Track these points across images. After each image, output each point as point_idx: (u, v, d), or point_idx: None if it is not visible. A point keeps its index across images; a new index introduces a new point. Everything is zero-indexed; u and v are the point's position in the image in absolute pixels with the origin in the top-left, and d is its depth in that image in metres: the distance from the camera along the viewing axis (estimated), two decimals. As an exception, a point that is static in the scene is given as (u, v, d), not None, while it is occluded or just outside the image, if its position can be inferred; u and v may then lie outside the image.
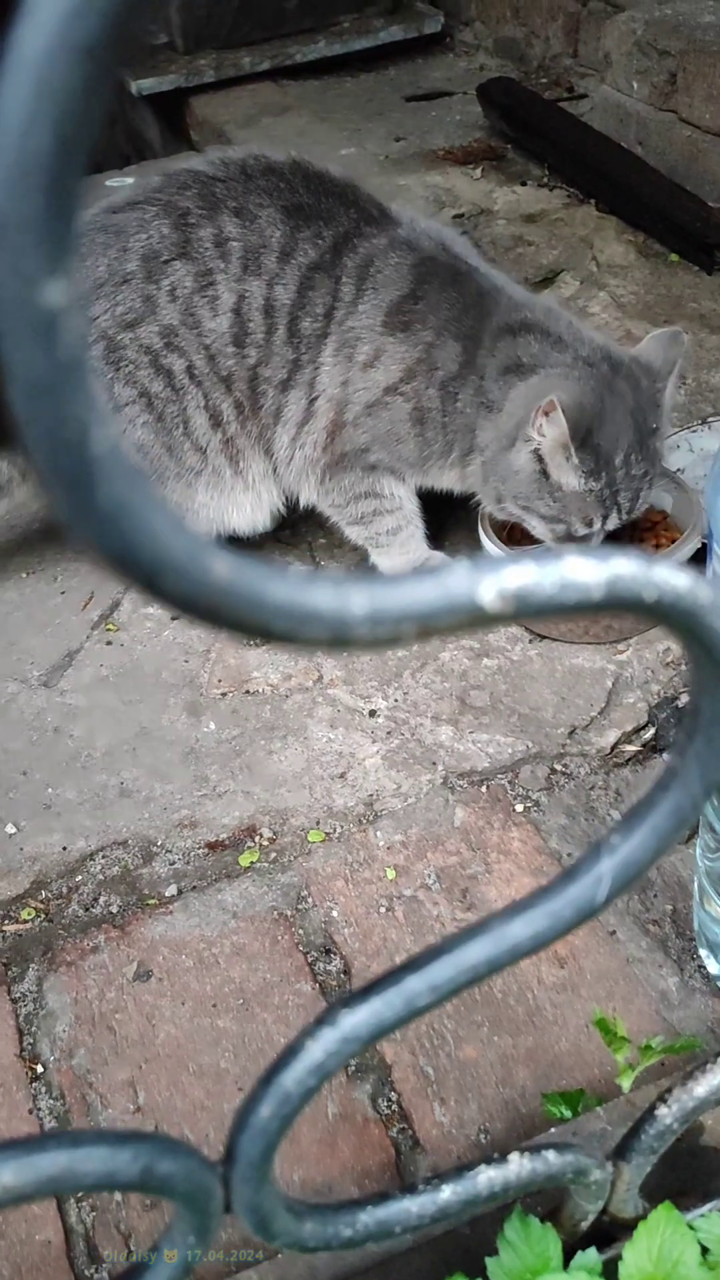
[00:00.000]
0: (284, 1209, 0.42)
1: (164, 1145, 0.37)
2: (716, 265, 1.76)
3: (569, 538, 1.15)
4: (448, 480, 1.23)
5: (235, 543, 1.31)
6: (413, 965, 0.38)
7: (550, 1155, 0.50)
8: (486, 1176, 0.48)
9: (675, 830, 0.37)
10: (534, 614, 0.28)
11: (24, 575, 1.38)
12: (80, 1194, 0.82)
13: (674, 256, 1.82)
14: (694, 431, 1.37)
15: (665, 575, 0.29)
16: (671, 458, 1.35)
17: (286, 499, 1.27)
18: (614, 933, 0.96)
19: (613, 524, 1.15)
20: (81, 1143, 0.34)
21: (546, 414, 1.07)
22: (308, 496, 1.25)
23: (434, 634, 0.27)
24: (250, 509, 1.25)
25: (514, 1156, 0.49)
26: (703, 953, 0.92)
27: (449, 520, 1.34)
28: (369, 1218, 0.46)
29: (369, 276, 1.16)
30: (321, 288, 1.16)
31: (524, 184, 2.10)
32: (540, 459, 1.11)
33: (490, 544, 1.20)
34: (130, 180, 2.30)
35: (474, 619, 0.27)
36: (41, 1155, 0.33)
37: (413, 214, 1.23)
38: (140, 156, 3.09)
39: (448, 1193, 0.48)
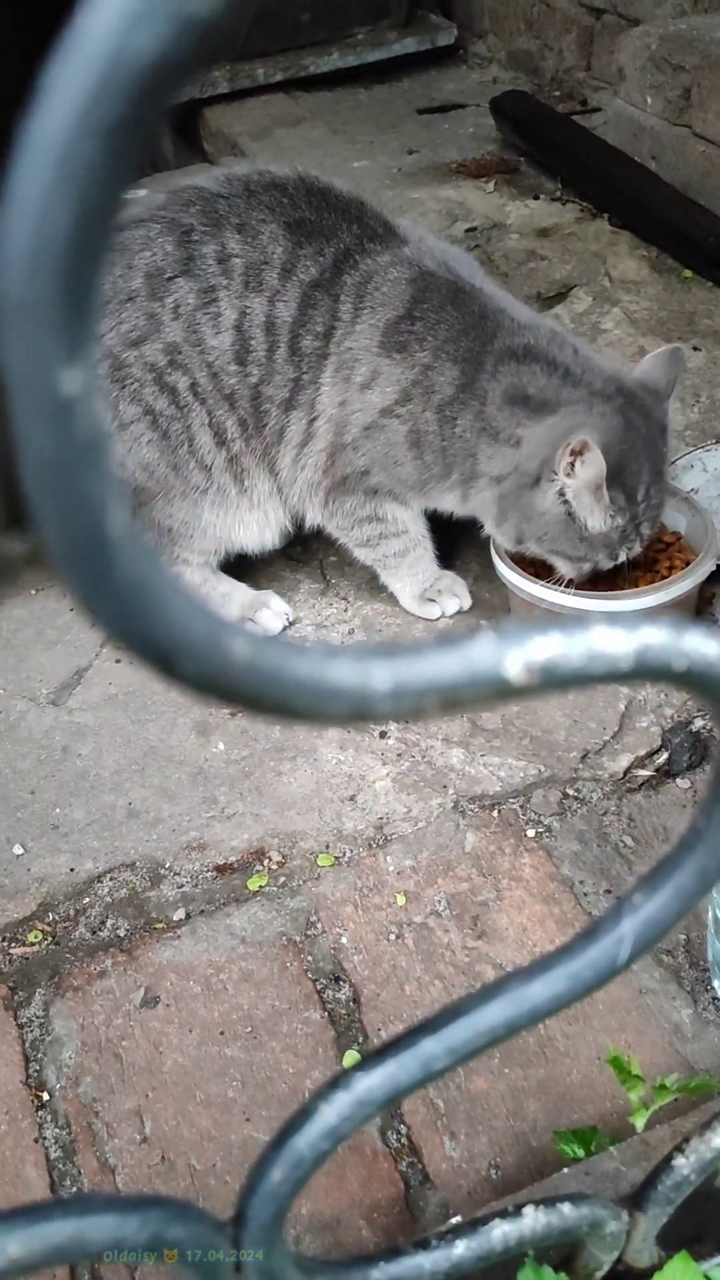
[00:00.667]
0: (294, 1267, 0.41)
1: (173, 1210, 0.36)
2: (731, 282, 1.75)
3: (594, 572, 1.14)
4: (448, 503, 1.22)
5: (243, 560, 1.30)
6: (429, 1027, 0.37)
7: (565, 1208, 0.49)
8: (501, 1231, 0.47)
9: (700, 892, 0.36)
10: (560, 685, 0.27)
11: (34, 591, 1.37)
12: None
13: (687, 272, 1.81)
14: (708, 451, 1.36)
15: (696, 643, 0.28)
16: (685, 478, 1.34)
17: (294, 519, 1.27)
18: (626, 962, 0.95)
19: (636, 553, 1.14)
20: (89, 1210, 0.34)
21: (577, 454, 1.07)
22: (313, 518, 1.25)
23: (458, 708, 0.26)
24: (257, 527, 1.25)
25: (528, 1210, 0.48)
26: (716, 984, 0.91)
27: (460, 539, 1.33)
28: (381, 1274, 0.45)
29: (367, 295, 1.15)
30: (321, 306, 1.15)
31: (537, 198, 2.09)
32: (565, 500, 1.10)
33: (501, 565, 1.19)
34: (143, 192, 2.30)
35: (499, 692, 0.26)
36: (48, 1224, 0.32)
37: (422, 232, 1.22)
38: (154, 167, 3.10)
39: (461, 1248, 0.47)
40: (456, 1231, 0.47)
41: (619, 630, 0.27)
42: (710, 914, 0.90)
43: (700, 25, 1.95)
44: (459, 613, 1.28)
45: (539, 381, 1.13)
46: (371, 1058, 0.37)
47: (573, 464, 1.07)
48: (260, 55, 2.64)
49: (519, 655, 0.26)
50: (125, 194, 0.17)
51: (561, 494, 1.10)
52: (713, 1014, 0.90)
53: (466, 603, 1.28)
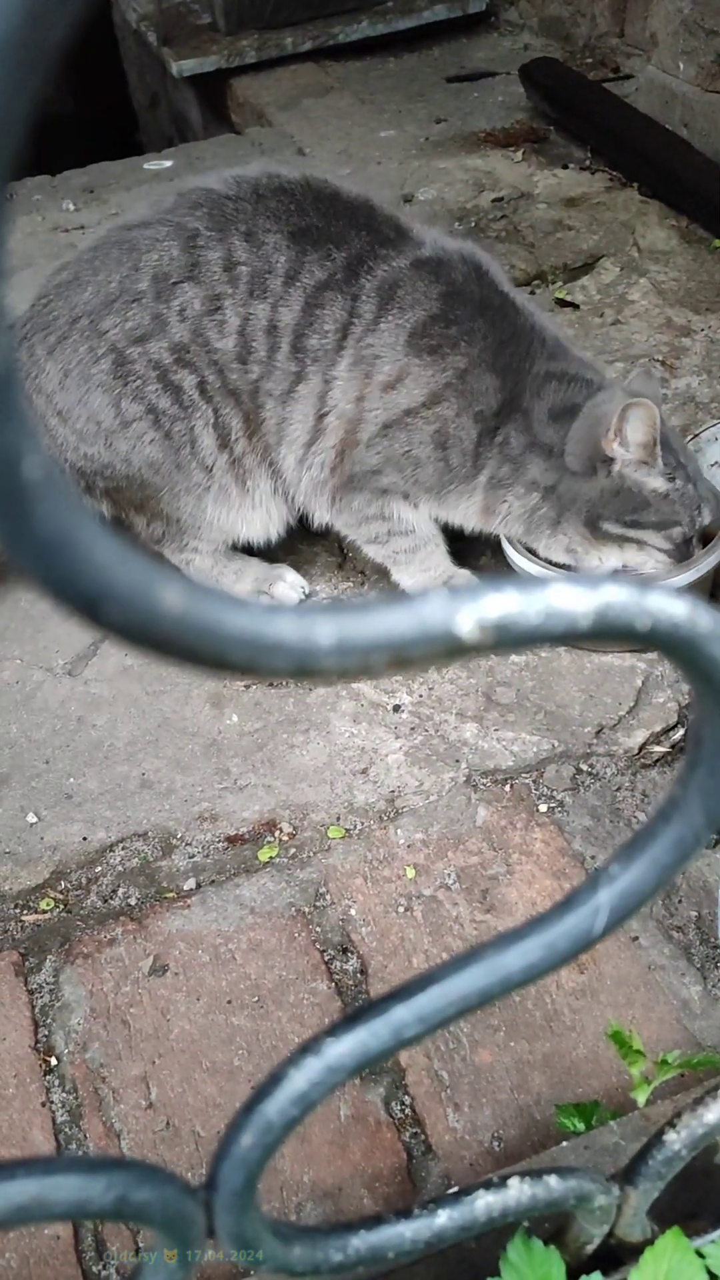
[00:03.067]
0: (269, 1233, 0.41)
1: (141, 1173, 0.36)
2: (761, 251, 1.71)
3: (683, 541, 1.15)
4: (463, 514, 1.20)
5: (249, 549, 1.29)
6: (401, 994, 0.36)
7: (552, 1181, 0.49)
8: (484, 1202, 0.47)
9: (678, 863, 0.35)
10: (516, 644, 0.26)
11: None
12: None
13: (717, 242, 1.78)
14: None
15: (660, 603, 0.28)
16: (709, 450, 1.32)
17: (299, 517, 1.26)
18: (636, 938, 0.94)
19: (708, 518, 1.15)
20: (54, 1171, 0.34)
21: (624, 420, 1.09)
22: (320, 517, 1.24)
23: (408, 665, 0.25)
24: (260, 525, 1.24)
25: (514, 1181, 0.48)
26: (727, 961, 0.90)
27: (476, 536, 1.31)
28: (361, 1242, 0.45)
29: (391, 298, 1.13)
30: (333, 305, 1.14)
31: (565, 167, 2.06)
32: (623, 474, 1.11)
33: (516, 555, 1.17)
34: (169, 164, 2.29)
35: (451, 649, 0.25)
36: (10, 1184, 0.32)
37: (434, 233, 1.20)
38: (183, 137, 3.08)
39: (444, 1218, 0.46)
40: (440, 1202, 0.47)
41: (579, 588, 0.27)
42: (719, 903, 0.89)
43: (735, -12, 1.90)
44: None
45: (581, 394, 1.16)
46: (342, 1024, 0.36)
47: (620, 431, 1.09)
48: (289, 24, 2.61)
49: (472, 612, 0.25)
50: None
51: (618, 468, 1.11)
52: (722, 991, 0.90)
53: None
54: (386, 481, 1.18)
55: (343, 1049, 0.36)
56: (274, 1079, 0.36)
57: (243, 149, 2.30)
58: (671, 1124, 0.53)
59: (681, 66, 1.94)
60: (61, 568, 0.20)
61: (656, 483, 1.11)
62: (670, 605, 0.28)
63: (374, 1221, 0.45)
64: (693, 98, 1.93)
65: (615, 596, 0.27)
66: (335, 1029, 0.36)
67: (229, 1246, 0.39)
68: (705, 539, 1.16)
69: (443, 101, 2.36)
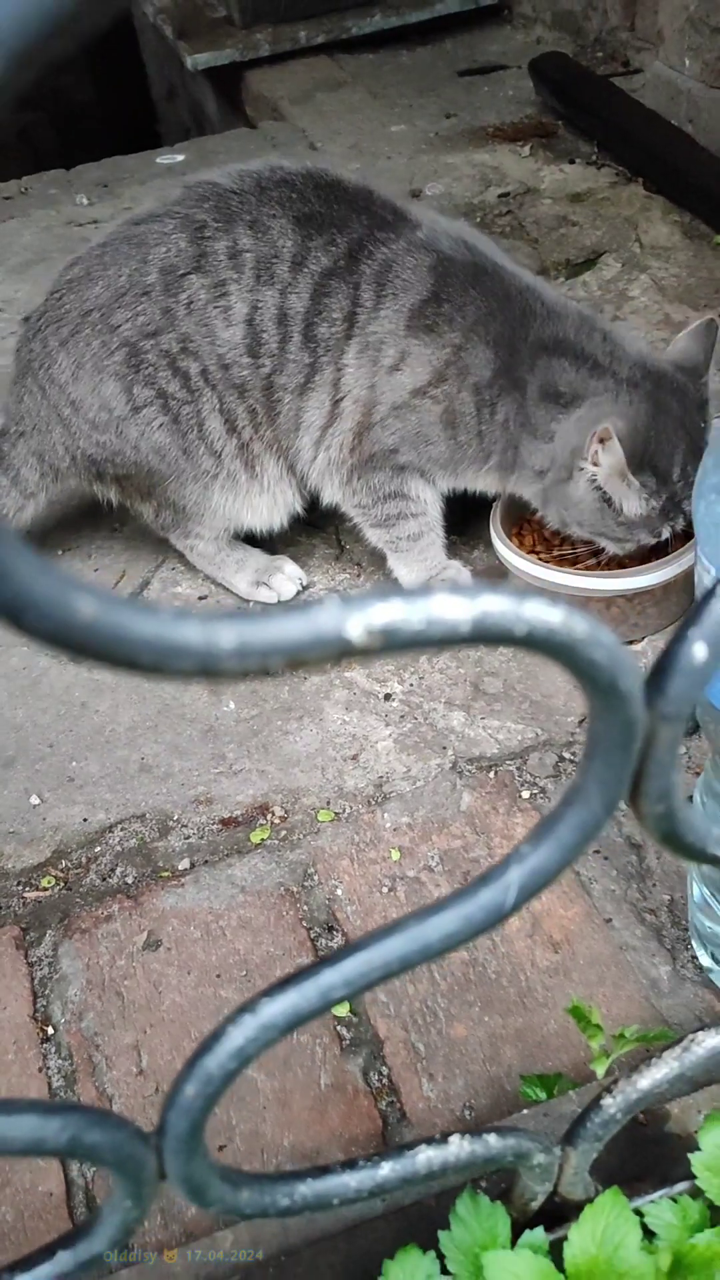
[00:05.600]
0: (218, 1178, 0.45)
1: (94, 1117, 0.40)
2: (762, 248, 1.73)
3: (637, 548, 1.16)
4: (484, 484, 1.23)
5: (251, 539, 1.33)
6: (330, 960, 0.40)
7: (491, 1139, 0.53)
8: (425, 1156, 0.51)
9: (579, 844, 0.39)
10: (401, 648, 0.30)
11: (60, 552, 1.42)
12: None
13: (718, 238, 1.80)
14: (724, 420, 1.36)
15: (536, 611, 0.31)
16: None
17: (308, 497, 1.29)
18: (610, 920, 0.97)
19: (680, 526, 1.15)
20: (13, 1111, 0.38)
21: (602, 442, 1.08)
22: (330, 495, 1.27)
23: (303, 666, 0.29)
24: (266, 511, 1.28)
25: (454, 1138, 0.52)
26: (695, 945, 0.93)
27: (468, 526, 1.34)
28: (307, 1189, 0.49)
29: (388, 281, 1.16)
30: (338, 293, 1.17)
31: (572, 162, 2.08)
32: (599, 488, 1.12)
33: (502, 547, 1.20)
34: (181, 157, 2.32)
35: (342, 652, 0.29)
36: (-29, 1120, 0.36)
37: (432, 216, 1.23)
38: (199, 129, 3.11)
39: (386, 1170, 0.50)
40: (384, 1155, 0.51)
41: (459, 597, 0.30)
42: (690, 888, 0.92)
43: (741, -16, 1.91)
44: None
45: (569, 376, 1.15)
46: (276, 986, 0.40)
47: (598, 453, 1.09)
48: (303, 18, 2.63)
49: (360, 619, 0.29)
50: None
51: (594, 482, 1.12)
52: (690, 972, 0.93)
53: None
54: (404, 459, 1.21)
55: (276, 1009, 0.40)
56: (214, 1036, 0.40)
57: (255, 143, 2.33)
58: (608, 1090, 0.57)
59: (687, 63, 1.96)
60: (-14, 583, 0.24)
61: (630, 505, 1.12)
62: (545, 613, 0.31)
63: (321, 1171, 0.49)
64: (698, 94, 1.95)
65: (493, 605, 0.31)
66: (270, 990, 0.40)
67: (178, 1187, 0.43)
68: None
69: (453, 95, 2.38)
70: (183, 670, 0.27)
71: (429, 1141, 0.52)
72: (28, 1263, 0.46)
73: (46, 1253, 0.46)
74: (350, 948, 0.40)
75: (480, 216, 1.95)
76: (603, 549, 1.17)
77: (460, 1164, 0.52)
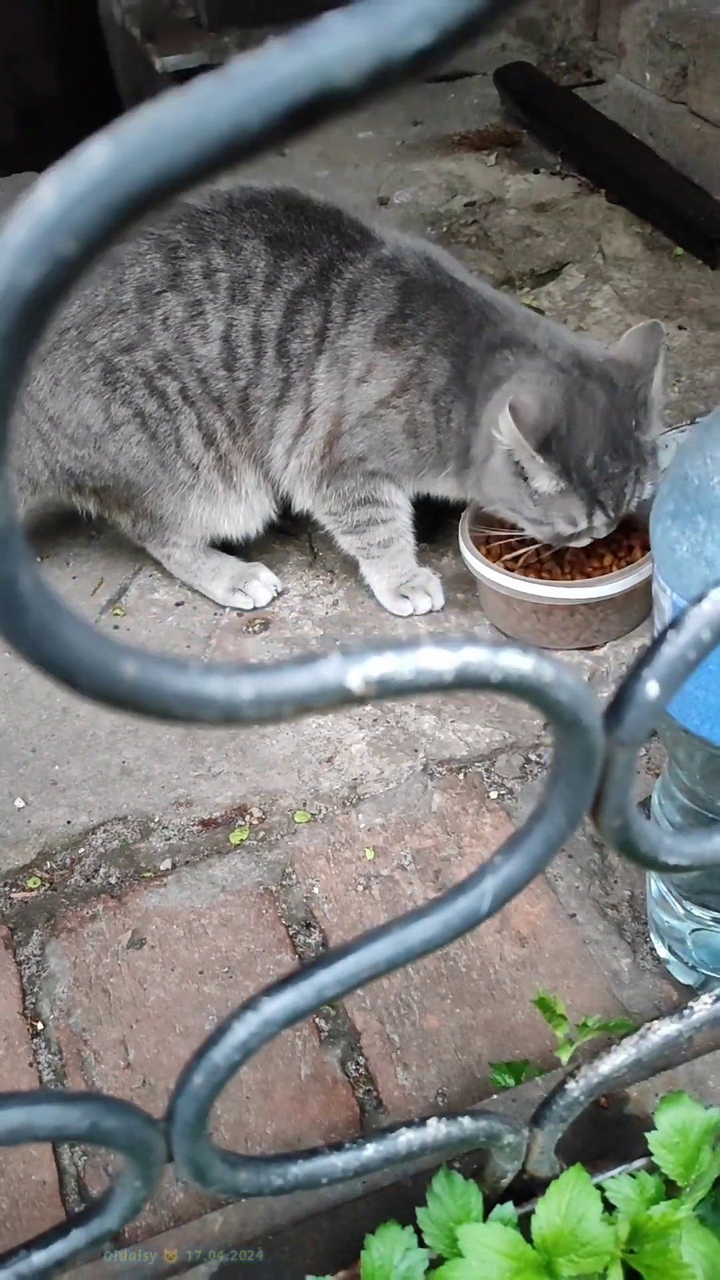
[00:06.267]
0: (219, 1160, 0.49)
1: (110, 1105, 0.44)
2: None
3: (560, 537, 1.19)
4: (443, 489, 1.28)
5: (227, 546, 1.37)
6: (324, 961, 0.44)
7: (465, 1121, 0.57)
8: (406, 1138, 0.56)
9: (546, 855, 0.44)
10: (395, 695, 0.34)
11: (38, 560, 1.45)
12: (71, 1141, 0.90)
13: (679, 250, 1.85)
14: (682, 431, 1.42)
15: (510, 660, 0.36)
16: (660, 457, 1.40)
17: (281, 504, 1.33)
18: (574, 915, 1.03)
19: (600, 522, 1.17)
20: (39, 1102, 0.42)
21: (512, 412, 1.10)
22: (302, 502, 1.31)
23: (310, 713, 0.33)
24: (243, 520, 1.32)
25: (432, 1121, 0.57)
26: (654, 938, 0.99)
27: (437, 533, 1.39)
28: (299, 1170, 0.53)
29: (357, 299, 1.21)
30: (310, 310, 1.21)
31: (537, 171, 2.13)
32: (516, 463, 1.15)
33: (466, 551, 1.25)
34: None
35: (343, 700, 0.33)
36: (4, 1111, 0.41)
37: (396, 234, 1.28)
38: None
39: (370, 1150, 0.55)
40: (368, 1137, 0.56)
41: (444, 650, 0.35)
42: (649, 884, 0.98)
43: (699, 3, 1.97)
44: (430, 612, 1.32)
45: (509, 363, 1.19)
46: (275, 986, 0.44)
47: (506, 424, 1.11)
48: (271, 21, 2.65)
49: (359, 671, 0.33)
50: (21, 376, 0.25)
51: (510, 455, 1.14)
52: (650, 964, 0.98)
53: (439, 602, 1.32)
54: (372, 466, 1.26)
55: (276, 1006, 0.44)
56: (220, 1030, 0.45)
57: (224, 148, 2.36)
58: (572, 1075, 0.61)
59: (648, 77, 2.01)
60: (47, 652, 0.28)
61: (540, 482, 1.14)
62: (518, 661, 0.36)
63: (310, 1153, 0.54)
64: (658, 108, 2.00)
65: (473, 656, 0.35)
66: (270, 989, 0.44)
67: (184, 1169, 0.48)
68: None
69: (420, 102, 2.42)
70: (209, 719, 0.32)
71: (409, 1124, 0.56)
72: (43, 1241, 0.51)
73: (60, 1231, 0.51)
74: (341, 950, 0.45)
75: (447, 226, 2.00)
76: (565, 552, 1.22)
77: (437, 1144, 0.56)
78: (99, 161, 0.23)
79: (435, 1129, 0.56)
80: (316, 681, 0.33)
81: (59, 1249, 0.50)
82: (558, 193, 2.06)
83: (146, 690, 0.30)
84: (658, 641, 0.41)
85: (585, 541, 1.20)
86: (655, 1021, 0.61)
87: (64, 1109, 0.42)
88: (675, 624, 0.41)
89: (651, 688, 0.41)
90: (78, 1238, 0.50)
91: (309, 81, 0.23)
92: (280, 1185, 0.52)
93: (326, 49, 0.23)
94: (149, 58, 2.68)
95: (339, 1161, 0.54)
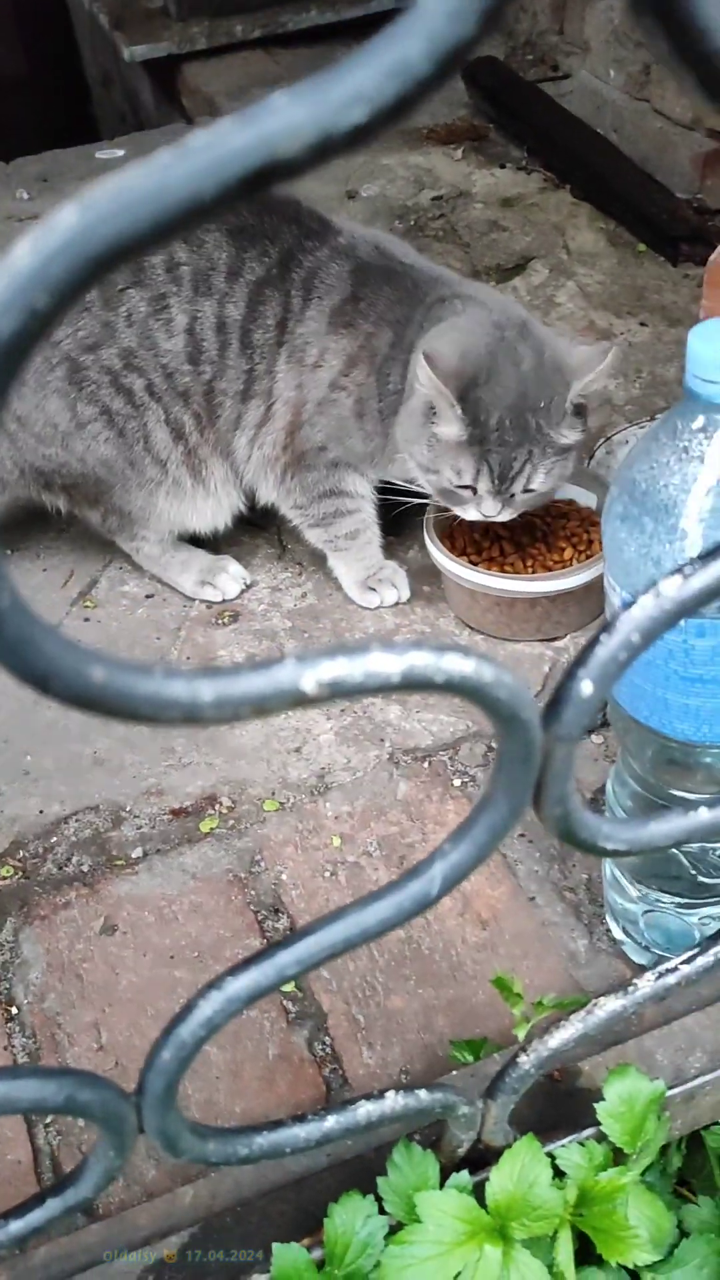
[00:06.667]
0: (188, 1131, 0.52)
1: (85, 1079, 0.47)
2: (681, 257, 1.82)
3: (449, 494, 1.18)
4: (400, 469, 1.28)
5: (195, 539, 1.39)
6: (285, 943, 0.47)
7: (421, 1093, 0.61)
8: (365, 1110, 0.59)
9: (491, 843, 0.47)
10: (346, 695, 0.37)
11: (9, 553, 1.46)
12: (48, 1120, 0.93)
13: (641, 246, 1.88)
14: (643, 428, 1.45)
15: (452, 662, 0.39)
16: (620, 453, 1.43)
17: (247, 498, 1.36)
18: (533, 898, 1.06)
19: (485, 488, 1.15)
20: (19, 1076, 0.45)
21: (426, 357, 1.11)
22: (266, 495, 1.33)
23: (266, 714, 0.36)
24: (211, 514, 1.34)
25: (390, 1093, 0.60)
26: (609, 919, 1.02)
27: (403, 527, 1.42)
28: (263, 1140, 0.56)
29: (314, 286, 1.23)
30: (271, 301, 1.23)
31: (503, 166, 2.15)
32: (430, 406, 1.15)
33: (435, 550, 1.28)
34: (121, 153, 2.35)
35: (297, 701, 0.36)
36: (-15, 1085, 0.43)
37: (352, 224, 1.31)
38: (135, 116, 3.13)
39: (331, 1122, 0.58)
40: (329, 1109, 0.59)
41: (391, 654, 0.37)
42: (604, 868, 1.01)
43: (662, 0, 2.00)
44: (396, 604, 1.34)
45: (447, 310, 1.21)
46: (239, 966, 0.47)
47: (423, 369, 1.12)
48: (239, 11, 2.66)
49: (312, 674, 0.36)
50: (2, 405, 0.27)
51: (428, 401, 1.15)
52: (605, 944, 1.02)
53: (405, 595, 1.34)
54: (333, 455, 1.28)
55: (239, 984, 0.47)
56: (187, 1008, 0.48)
57: (193, 140, 2.37)
58: (523, 1048, 0.65)
59: (612, 74, 2.04)
60: (23, 660, 0.31)
61: (447, 427, 1.14)
62: (460, 663, 0.39)
63: (275, 1125, 0.57)
64: (622, 104, 2.03)
65: (418, 660, 0.38)
66: (234, 969, 0.47)
67: (155, 1138, 0.51)
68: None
69: (388, 95, 2.43)
70: (173, 720, 0.34)
71: (368, 1097, 0.59)
72: (20, 1210, 0.53)
73: (36, 1200, 0.53)
74: (301, 932, 0.48)
75: (414, 219, 2.02)
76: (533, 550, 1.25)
77: (395, 1115, 0.60)
78: (68, 224, 0.25)
79: (393, 1101, 0.59)
80: (272, 684, 0.36)
81: (35, 1217, 0.53)
82: (524, 188, 2.08)
83: (114, 694, 0.33)
84: (591, 644, 0.44)
85: (473, 515, 1.18)
86: (601, 998, 0.65)
87: (42, 1083, 0.45)
88: (607, 628, 0.44)
89: (586, 686, 0.44)
90: (53, 1206, 0.53)
91: (257, 154, 0.25)
92: (246, 1154, 0.55)
93: (272, 125, 0.25)
94: (117, 46, 2.68)
95: (301, 1132, 0.57)
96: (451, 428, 1.14)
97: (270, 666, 0.36)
